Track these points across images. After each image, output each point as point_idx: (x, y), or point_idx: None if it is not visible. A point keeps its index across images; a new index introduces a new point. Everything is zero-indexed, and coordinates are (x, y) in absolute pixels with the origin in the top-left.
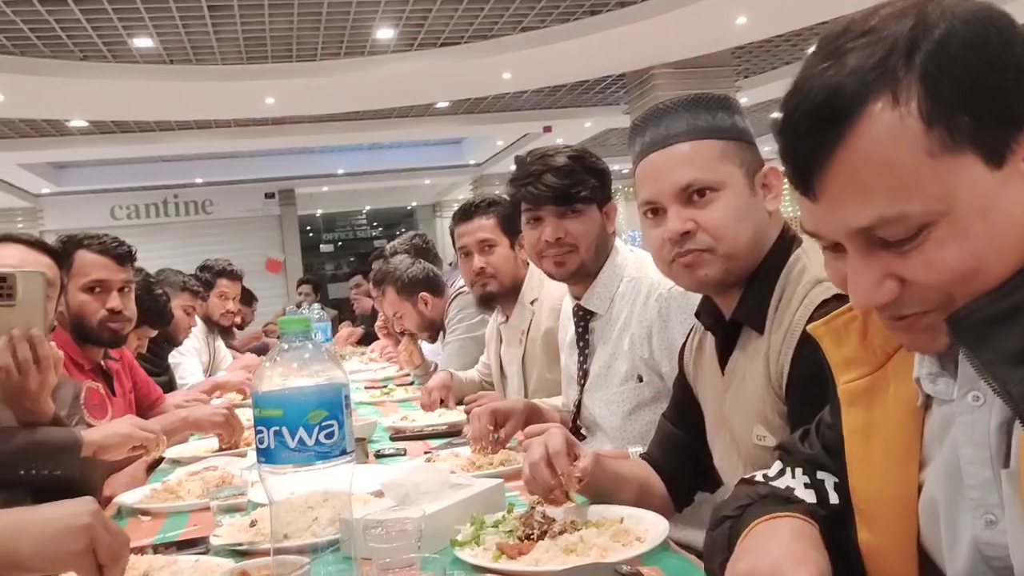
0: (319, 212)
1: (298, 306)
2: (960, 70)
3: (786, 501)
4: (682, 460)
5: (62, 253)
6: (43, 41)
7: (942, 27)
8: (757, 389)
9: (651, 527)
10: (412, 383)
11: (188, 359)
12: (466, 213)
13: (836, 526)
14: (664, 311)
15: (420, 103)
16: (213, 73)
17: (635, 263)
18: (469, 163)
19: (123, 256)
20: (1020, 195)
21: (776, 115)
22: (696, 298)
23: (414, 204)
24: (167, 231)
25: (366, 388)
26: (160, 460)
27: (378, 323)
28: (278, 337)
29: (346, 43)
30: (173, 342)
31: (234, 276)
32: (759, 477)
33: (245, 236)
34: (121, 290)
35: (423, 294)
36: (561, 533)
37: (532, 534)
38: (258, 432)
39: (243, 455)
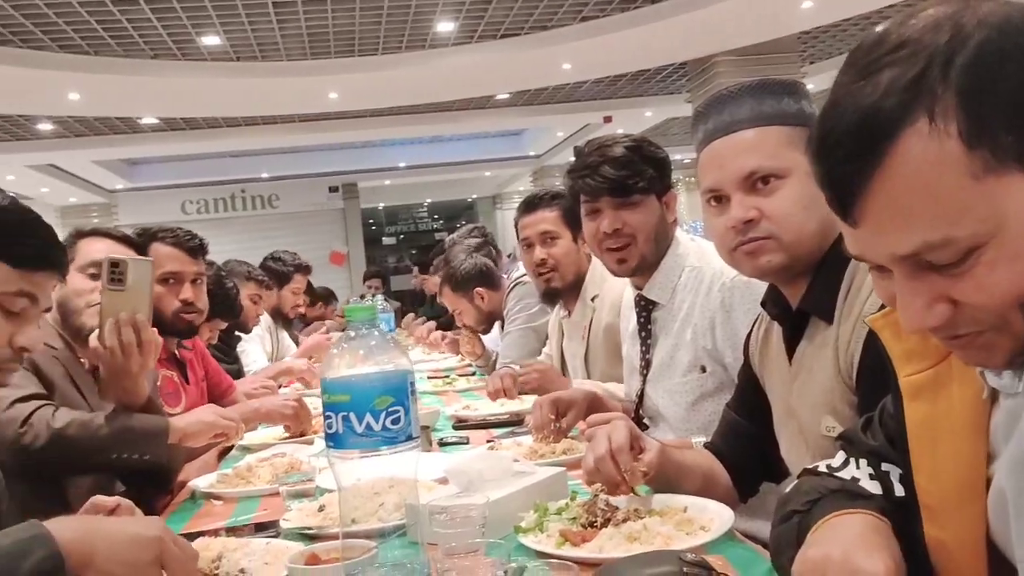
0: (381, 205)
1: (361, 297)
2: (999, 84)
3: (855, 496)
4: (747, 450)
5: (140, 246)
6: (116, 40)
7: (978, 37)
8: (826, 380)
9: (716, 516)
10: (473, 373)
11: (252, 345)
12: (530, 205)
13: (902, 519)
14: (727, 301)
15: (480, 95)
16: (278, 69)
17: (697, 252)
18: (529, 154)
19: (195, 249)
20: None
21: (811, 137)
22: (759, 287)
23: (474, 196)
24: (234, 225)
25: (428, 378)
26: (230, 447)
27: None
28: (342, 329)
29: (407, 37)
30: (243, 331)
31: (307, 271)
32: (823, 467)
33: (309, 230)
34: (194, 282)
35: (478, 289)
36: (624, 521)
37: (595, 522)
38: (327, 417)
39: (310, 442)
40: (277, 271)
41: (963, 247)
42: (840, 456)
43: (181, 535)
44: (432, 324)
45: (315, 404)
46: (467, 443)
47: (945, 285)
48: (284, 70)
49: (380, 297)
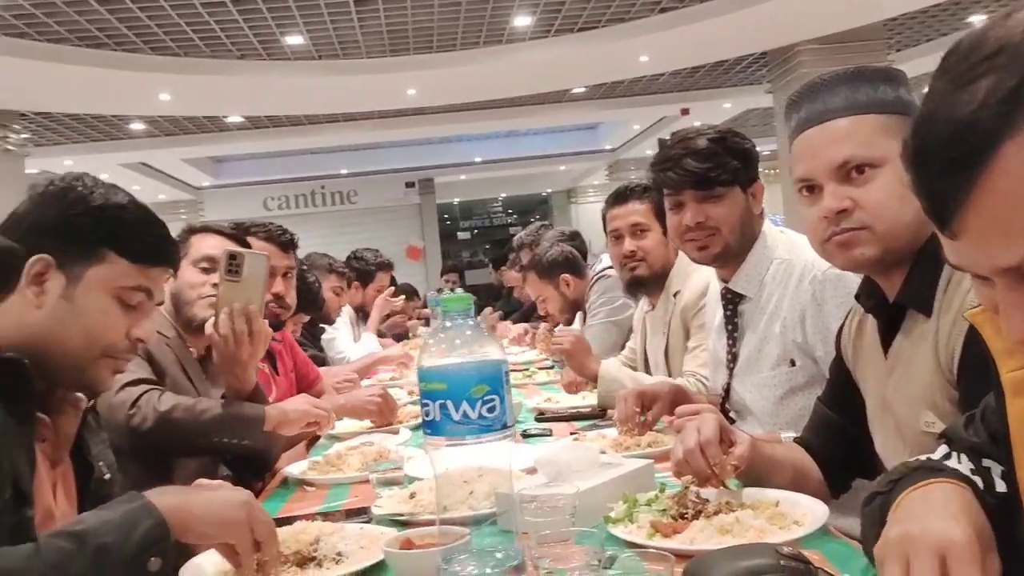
0: (456, 200)
1: (439, 291)
2: None
3: (937, 471)
4: (838, 445)
5: (246, 241)
6: (204, 41)
7: None
8: (925, 374)
9: (809, 511)
10: (551, 367)
11: (342, 334)
12: (620, 196)
13: (1003, 516)
14: (819, 294)
15: (557, 89)
16: (358, 67)
17: (786, 244)
18: (604, 148)
19: (286, 243)
20: None
21: (904, 144)
22: (852, 280)
23: (548, 191)
24: (314, 221)
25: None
26: (318, 436)
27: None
28: (420, 319)
29: (484, 32)
30: (326, 323)
31: (390, 268)
32: (922, 459)
33: (387, 225)
34: (285, 275)
35: (564, 276)
36: (716, 514)
37: (686, 513)
38: (424, 405)
39: (396, 432)
40: (360, 270)
41: None
42: (942, 450)
43: (277, 519)
44: (523, 326)
45: (401, 396)
46: (551, 435)
47: None
48: (364, 67)
49: (459, 291)
